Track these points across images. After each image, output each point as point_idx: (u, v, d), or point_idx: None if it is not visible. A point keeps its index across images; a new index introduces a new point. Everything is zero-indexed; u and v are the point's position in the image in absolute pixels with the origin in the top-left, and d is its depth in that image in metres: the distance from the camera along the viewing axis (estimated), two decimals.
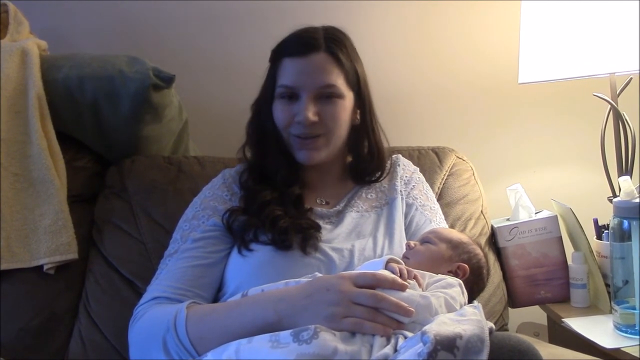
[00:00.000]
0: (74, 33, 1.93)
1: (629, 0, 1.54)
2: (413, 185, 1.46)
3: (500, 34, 1.96)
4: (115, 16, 1.94)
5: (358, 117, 1.39)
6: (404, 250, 1.28)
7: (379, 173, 1.44)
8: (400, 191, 1.43)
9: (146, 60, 1.55)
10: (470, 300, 1.15)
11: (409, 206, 1.42)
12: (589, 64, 1.61)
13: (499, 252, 1.63)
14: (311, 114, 1.28)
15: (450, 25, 1.99)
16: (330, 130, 1.32)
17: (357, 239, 1.30)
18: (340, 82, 1.31)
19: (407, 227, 1.38)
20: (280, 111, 1.33)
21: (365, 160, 1.43)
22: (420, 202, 1.43)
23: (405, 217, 1.40)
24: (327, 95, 1.31)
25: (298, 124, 1.30)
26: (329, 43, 1.31)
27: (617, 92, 1.68)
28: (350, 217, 1.35)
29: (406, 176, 1.47)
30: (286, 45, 1.33)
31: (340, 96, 1.31)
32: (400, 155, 1.52)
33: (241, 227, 1.27)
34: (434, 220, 1.41)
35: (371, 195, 1.42)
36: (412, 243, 1.26)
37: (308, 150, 1.32)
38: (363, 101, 1.38)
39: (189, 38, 1.96)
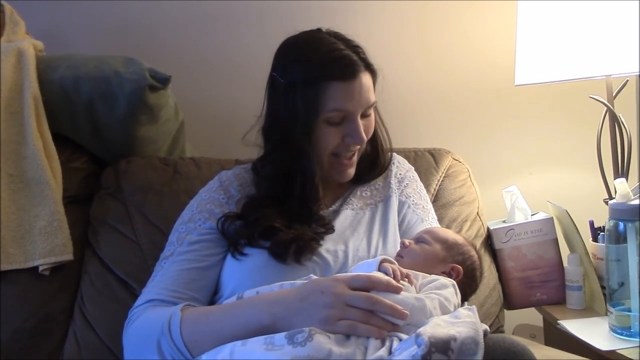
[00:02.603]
0: (70, 33, 1.92)
1: (625, 2, 1.54)
2: (407, 183, 1.46)
3: (496, 35, 1.96)
4: (112, 17, 1.94)
5: None
6: (398, 249, 1.28)
7: (375, 172, 1.44)
8: (395, 189, 1.43)
9: (142, 61, 1.55)
10: (462, 302, 1.15)
11: (401, 204, 1.42)
12: (585, 66, 1.61)
13: (494, 254, 1.63)
14: (364, 133, 1.29)
15: (447, 27, 1.99)
16: (364, 142, 1.33)
17: (351, 237, 1.30)
18: (374, 95, 1.32)
19: (399, 225, 1.38)
20: (328, 135, 1.28)
21: (366, 162, 1.43)
22: (413, 200, 1.43)
23: (398, 215, 1.40)
24: (369, 112, 1.32)
25: (347, 145, 1.30)
26: (363, 58, 1.29)
27: (613, 94, 1.68)
28: (345, 215, 1.35)
29: (400, 174, 1.47)
30: (330, 69, 1.24)
31: (375, 109, 1.34)
32: (395, 154, 1.52)
33: (236, 233, 1.26)
34: (426, 219, 1.41)
35: (366, 193, 1.42)
36: (407, 241, 1.26)
37: (348, 169, 1.34)
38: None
39: (185, 39, 1.96)
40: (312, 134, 1.27)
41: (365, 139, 1.30)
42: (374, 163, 1.43)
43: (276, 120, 1.31)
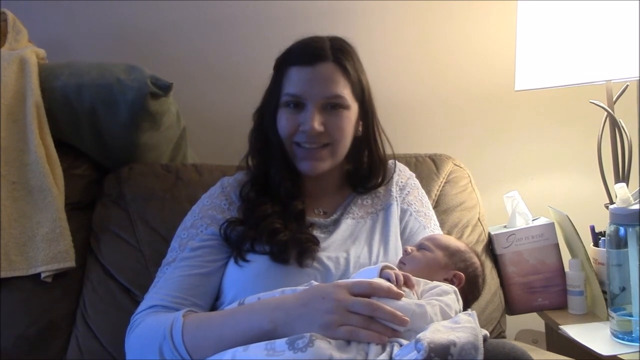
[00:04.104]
0: (72, 41, 1.93)
1: (625, 7, 1.54)
2: (408, 191, 1.46)
3: (497, 41, 1.97)
4: (114, 24, 1.95)
5: (360, 128, 1.39)
6: (399, 256, 1.28)
7: (377, 181, 1.44)
8: (396, 197, 1.43)
9: (144, 69, 1.56)
10: (464, 309, 1.15)
11: (403, 212, 1.42)
12: (585, 71, 1.61)
13: (496, 259, 1.63)
14: (317, 124, 1.28)
15: (448, 33, 2.00)
16: (335, 141, 1.32)
17: (352, 245, 1.30)
18: (346, 92, 1.31)
19: (401, 233, 1.39)
20: (285, 120, 1.31)
21: (364, 171, 1.43)
22: (415, 208, 1.43)
23: (400, 223, 1.40)
24: (333, 106, 1.30)
25: (303, 133, 1.29)
26: (336, 54, 1.30)
27: (614, 99, 1.69)
28: (346, 224, 1.35)
29: (402, 182, 1.47)
30: (293, 54, 1.32)
31: (346, 107, 1.31)
32: (396, 161, 1.52)
33: (239, 238, 1.27)
34: (428, 226, 1.41)
35: (367, 202, 1.42)
36: (409, 248, 1.27)
37: (312, 161, 1.32)
38: (367, 113, 1.37)
39: (187, 46, 1.97)
40: (276, 117, 1.33)
41: (318, 130, 1.28)
42: (371, 171, 1.43)
43: (262, 102, 1.39)
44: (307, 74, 1.29)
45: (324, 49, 1.30)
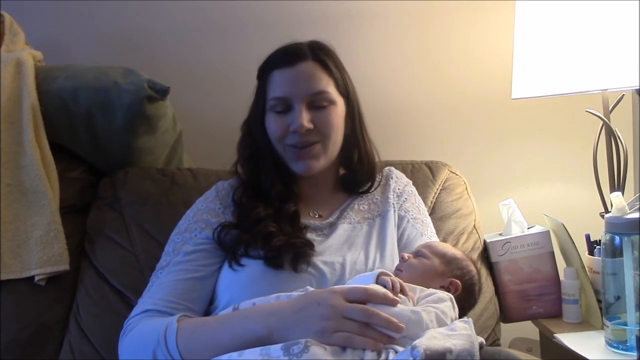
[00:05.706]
0: (69, 44, 1.94)
1: (621, 18, 1.55)
2: (405, 198, 1.46)
3: (495, 49, 1.97)
4: (111, 28, 1.95)
5: (348, 125, 1.39)
6: (396, 263, 1.28)
7: (370, 183, 1.44)
8: (393, 204, 1.43)
9: (141, 72, 1.55)
10: (460, 317, 1.15)
11: (400, 218, 1.42)
12: (581, 80, 1.61)
13: (491, 267, 1.63)
14: (306, 122, 1.28)
15: (446, 40, 2.00)
16: (326, 136, 1.32)
17: (348, 251, 1.30)
18: (330, 88, 1.33)
19: (399, 240, 1.39)
20: (273, 123, 1.33)
21: (357, 171, 1.43)
22: (412, 215, 1.43)
23: (397, 229, 1.40)
24: (319, 102, 1.31)
25: (293, 134, 1.30)
26: (315, 52, 1.33)
27: (610, 109, 1.69)
28: (342, 229, 1.35)
29: (399, 189, 1.48)
30: (273, 59, 1.35)
31: (332, 102, 1.33)
32: (393, 168, 1.53)
33: (233, 242, 1.27)
34: (425, 233, 1.41)
35: (363, 207, 1.42)
36: (406, 255, 1.27)
37: (305, 160, 1.32)
38: (352, 110, 1.39)
39: (184, 49, 1.97)
40: (265, 124, 1.35)
41: (307, 127, 1.28)
42: (362, 173, 1.43)
43: (249, 114, 1.41)
44: (290, 75, 1.31)
45: (302, 49, 1.33)
